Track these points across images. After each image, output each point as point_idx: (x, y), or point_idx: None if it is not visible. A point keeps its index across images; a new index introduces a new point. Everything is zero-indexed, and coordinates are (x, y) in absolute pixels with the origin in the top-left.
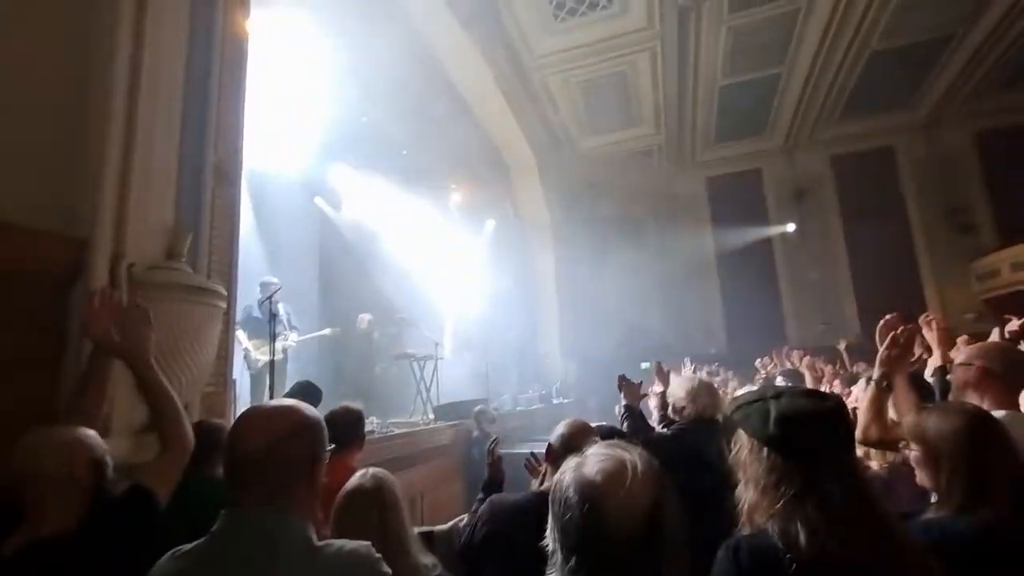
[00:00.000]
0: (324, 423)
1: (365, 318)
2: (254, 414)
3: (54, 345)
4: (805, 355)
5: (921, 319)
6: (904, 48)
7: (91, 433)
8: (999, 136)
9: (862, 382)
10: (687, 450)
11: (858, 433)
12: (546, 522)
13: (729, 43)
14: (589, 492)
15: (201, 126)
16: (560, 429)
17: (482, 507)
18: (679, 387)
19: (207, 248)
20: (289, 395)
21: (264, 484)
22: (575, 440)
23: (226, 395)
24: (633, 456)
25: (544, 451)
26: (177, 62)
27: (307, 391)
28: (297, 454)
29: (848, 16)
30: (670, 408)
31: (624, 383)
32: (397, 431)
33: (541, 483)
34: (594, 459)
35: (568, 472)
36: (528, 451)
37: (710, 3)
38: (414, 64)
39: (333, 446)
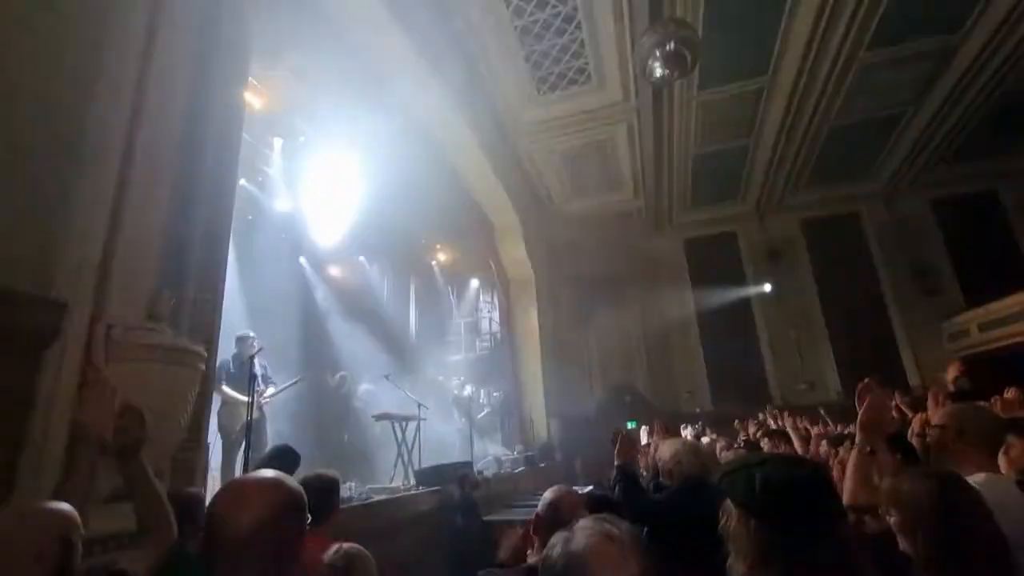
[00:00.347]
0: (304, 496)
1: (337, 375)
2: (240, 490)
3: (21, 410)
4: (790, 415)
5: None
6: (860, 123)
7: (65, 511)
8: (952, 204)
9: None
10: (679, 516)
11: (847, 499)
12: None
13: (700, 116)
14: (577, 568)
15: (192, 190)
16: (547, 497)
17: None
18: (665, 449)
19: (189, 308)
20: (267, 458)
21: (256, 565)
22: (562, 509)
23: (199, 459)
24: (620, 531)
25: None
26: (173, 128)
27: (285, 456)
28: (287, 531)
29: (807, 96)
30: (660, 471)
31: (619, 439)
32: (376, 498)
33: (506, 554)
34: (582, 534)
35: (557, 547)
36: (509, 519)
37: (681, 81)
38: (402, 128)
39: (318, 512)
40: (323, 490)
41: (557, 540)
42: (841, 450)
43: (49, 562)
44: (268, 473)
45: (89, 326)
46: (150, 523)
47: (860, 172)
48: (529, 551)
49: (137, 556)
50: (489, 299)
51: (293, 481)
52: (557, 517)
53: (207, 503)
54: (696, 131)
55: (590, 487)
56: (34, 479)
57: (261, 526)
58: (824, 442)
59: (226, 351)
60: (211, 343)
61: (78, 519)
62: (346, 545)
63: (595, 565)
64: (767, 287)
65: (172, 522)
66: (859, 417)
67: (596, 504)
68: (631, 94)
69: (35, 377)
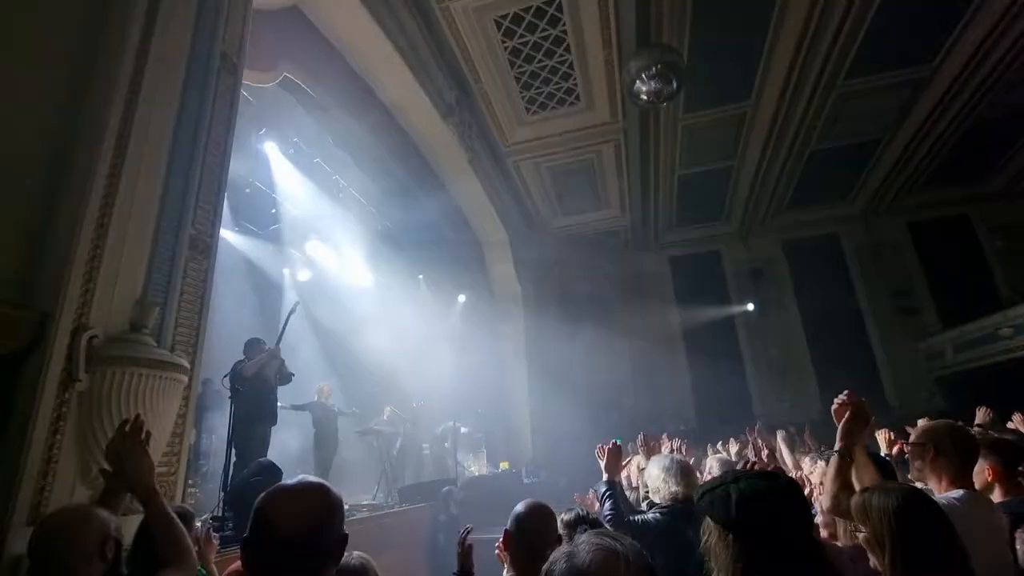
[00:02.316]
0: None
1: (324, 387)
2: (286, 495)
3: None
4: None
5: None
6: (839, 148)
7: (115, 516)
8: (928, 227)
9: (821, 462)
10: (666, 535)
11: (828, 503)
12: None
13: (685, 138)
14: None
15: (180, 200)
16: (517, 510)
17: None
18: (654, 467)
19: (174, 320)
20: (250, 474)
21: (303, 569)
22: (531, 523)
23: (179, 474)
24: (624, 546)
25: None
26: (163, 137)
27: (268, 471)
28: (332, 535)
29: (788, 121)
30: (648, 489)
31: (607, 452)
32: (359, 515)
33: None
34: (585, 549)
35: (559, 563)
36: (494, 536)
37: (666, 104)
38: (392, 146)
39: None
40: None
41: (558, 556)
42: (817, 467)
43: (108, 558)
44: (308, 479)
45: (71, 336)
46: (173, 558)
47: (839, 195)
48: (503, 565)
49: None
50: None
51: (332, 488)
52: (525, 530)
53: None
54: (681, 152)
55: (574, 510)
56: (7, 491)
57: (310, 530)
58: (807, 459)
59: (214, 367)
60: (195, 356)
61: (115, 520)
62: (356, 552)
63: None
64: (750, 306)
65: (192, 552)
66: (840, 424)
67: (575, 523)
68: (619, 115)
69: (12, 389)
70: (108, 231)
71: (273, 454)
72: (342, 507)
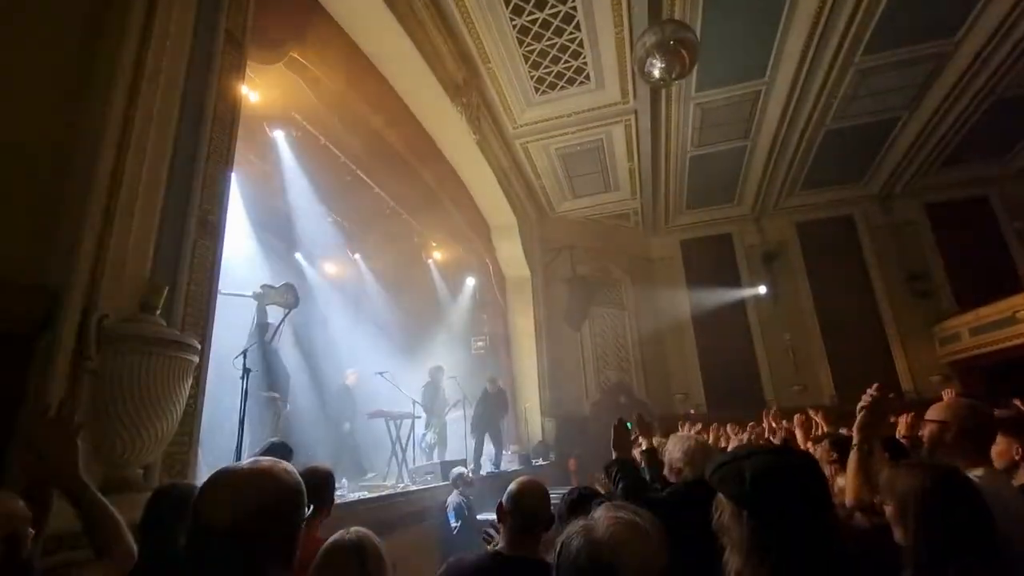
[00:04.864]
0: (303, 486)
1: (351, 374)
2: (226, 478)
3: (11, 400)
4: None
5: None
6: (856, 127)
7: (10, 508)
8: (946, 208)
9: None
10: (685, 514)
11: (850, 497)
12: None
13: (697, 118)
14: (602, 560)
15: (188, 179)
16: (511, 488)
17: (440, 571)
18: (676, 447)
19: (183, 300)
20: (258, 455)
21: (238, 564)
22: (524, 500)
23: (191, 454)
24: (643, 519)
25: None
26: (170, 116)
27: (278, 452)
28: (276, 527)
29: (803, 99)
30: (667, 468)
31: (617, 430)
32: (369, 495)
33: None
34: (604, 523)
35: (576, 537)
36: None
37: (678, 82)
38: (399, 126)
39: (312, 507)
40: (316, 485)
41: (575, 530)
42: (819, 448)
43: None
44: (261, 461)
45: (81, 316)
46: (108, 548)
47: (855, 176)
48: (496, 538)
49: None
50: (486, 297)
51: (289, 469)
52: (519, 506)
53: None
54: (693, 132)
55: (577, 490)
56: (26, 473)
57: (246, 520)
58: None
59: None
60: (205, 335)
61: (24, 510)
62: (354, 528)
63: (622, 556)
64: (762, 289)
65: (132, 544)
66: (858, 419)
67: (579, 500)
68: (629, 95)
69: (25, 368)
70: (115, 212)
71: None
72: (296, 494)
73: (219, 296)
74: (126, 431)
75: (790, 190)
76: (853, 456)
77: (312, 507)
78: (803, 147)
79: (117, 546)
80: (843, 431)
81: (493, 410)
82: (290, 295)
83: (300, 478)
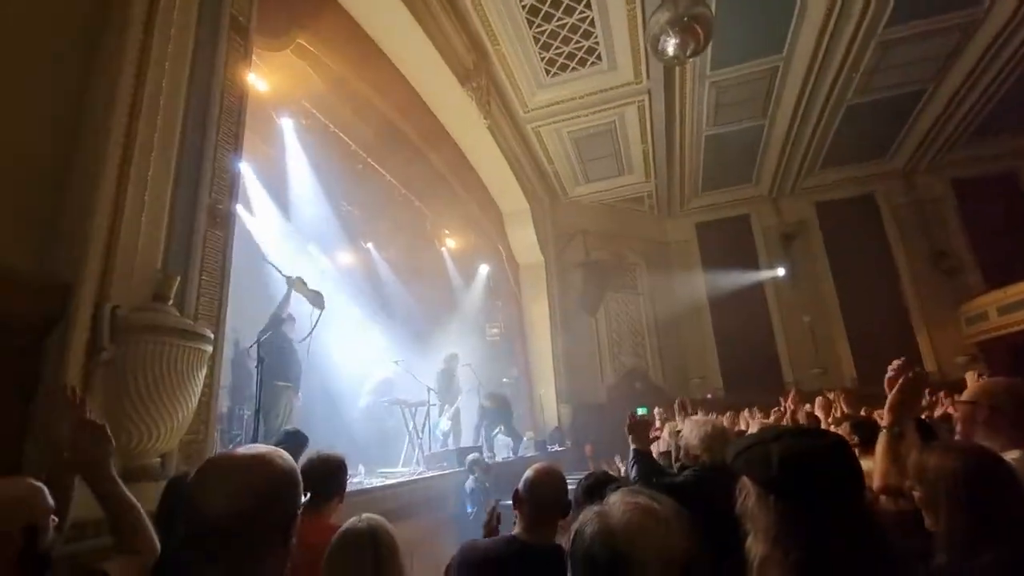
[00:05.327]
0: (299, 473)
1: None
2: (219, 467)
3: (25, 394)
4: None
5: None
6: (879, 102)
7: (29, 496)
8: (973, 184)
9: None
10: (702, 500)
11: (878, 482)
12: (518, 569)
13: (713, 96)
14: (618, 548)
15: (197, 168)
16: (527, 475)
17: (454, 555)
18: (692, 433)
19: (195, 290)
20: (277, 444)
21: (233, 554)
22: (539, 486)
23: (207, 443)
24: (661, 504)
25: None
26: (176, 105)
27: (293, 438)
28: (272, 516)
29: (823, 74)
30: (682, 452)
31: (634, 424)
32: (385, 482)
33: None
34: (619, 508)
35: (590, 524)
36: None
37: (693, 60)
38: (409, 112)
39: (308, 496)
40: (328, 472)
41: (589, 517)
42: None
43: (11, 549)
44: (255, 449)
45: (93, 307)
46: (130, 542)
47: (877, 152)
48: (513, 524)
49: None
50: (499, 284)
51: (284, 457)
52: (533, 493)
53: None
54: (708, 112)
55: (593, 475)
56: (40, 465)
57: (240, 511)
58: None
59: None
60: (218, 325)
61: (46, 500)
62: (366, 515)
63: (638, 543)
64: (781, 271)
65: (154, 538)
66: (889, 398)
67: (596, 484)
68: (642, 75)
69: (39, 360)
70: (125, 203)
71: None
72: (292, 480)
73: (266, 265)
74: (142, 421)
75: (810, 169)
76: (882, 438)
77: (324, 495)
78: (823, 124)
79: (142, 540)
80: (864, 412)
81: (495, 420)
82: (319, 299)
83: (295, 464)
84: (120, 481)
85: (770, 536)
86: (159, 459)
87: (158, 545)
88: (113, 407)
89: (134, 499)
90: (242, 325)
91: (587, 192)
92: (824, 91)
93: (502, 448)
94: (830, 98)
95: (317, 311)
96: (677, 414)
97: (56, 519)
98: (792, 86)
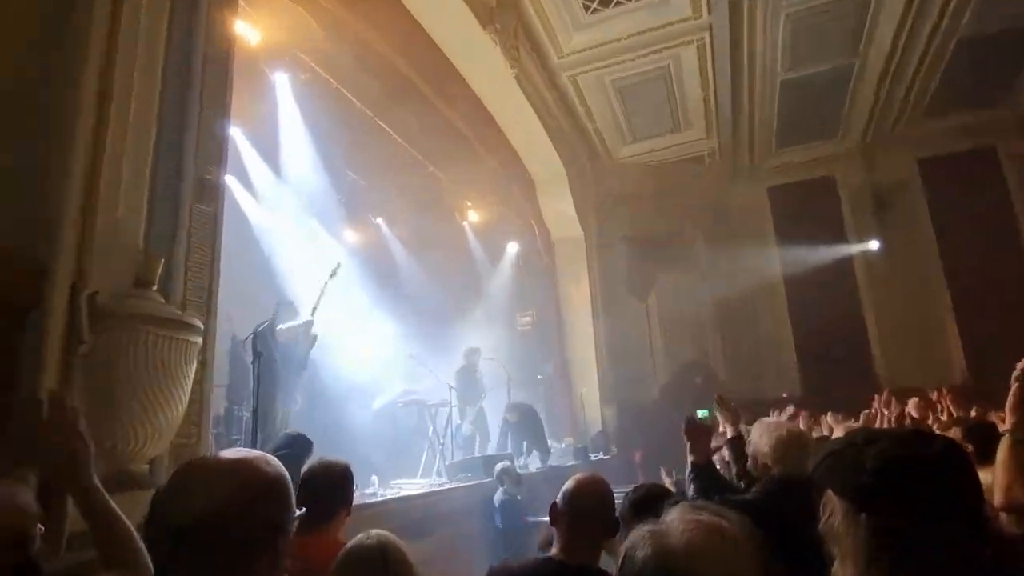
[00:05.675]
0: (288, 480)
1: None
2: (195, 471)
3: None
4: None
5: None
6: (999, 34)
7: (18, 505)
8: None
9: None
10: (776, 518)
11: (999, 497)
12: None
13: (788, 32)
14: (678, 570)
15: (180, 136)
16: (567, 486)
17: None
18: (763, 437)
19: (183, 275)
20: (274, 449)
21: (210, 568)
22: (581, 500)
23: (200, 447)
24: (729, 522)
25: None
26: (155, 67)
27: (296, 444)
28: (253, 525)
29: (928, 1)
30: (750, 462)
31: (692, 430)
32: (402, 494)
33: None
34: (679, 527)
35: (643, 546)
36: None
37: None
38: (422, 62)
39: (302, 511)
40: (332, 481)
41: (641, 537)
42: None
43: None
44: (237, 452)
45: (69, 292)
46: (120, 557)
47: (996, 97)
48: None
49: None
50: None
51: (271, 461)
52: (575, 505)
53: None
54: (785, 51)
55: (644, 487)
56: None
57: (215, 518)
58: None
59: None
60: (209, 314)
61: (33, 510)
62: (376, 531)
63: (701, 569)
64: (873, 244)
65: (146, 559)
66: (1011, 395)
67: (646, 500)
68: (702, 7)
69: (15, 352)
70: (100, 173)
71: None
72: (277, 489)
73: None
74: (127, 422)
75: (910, 118)
76: (1004, 445)
77: (330, 507)
78: (928, 62)
79: (132, 556)
80: (975, 413)
81: (519, 434)
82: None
83: (284, 472)
84: (102, 489)
85: (860, 562)
86: (147, 465)
87: (149, 561)
88: (94, 406)
89: (118, 510)
90: (238, 315)
91: (635, 153)
92: (930, 22)
93: (536, 457)
94: (937, 31)
95: (328, 278)
96: (719, 415)
97: (43, 527)
98: (891, 14)
